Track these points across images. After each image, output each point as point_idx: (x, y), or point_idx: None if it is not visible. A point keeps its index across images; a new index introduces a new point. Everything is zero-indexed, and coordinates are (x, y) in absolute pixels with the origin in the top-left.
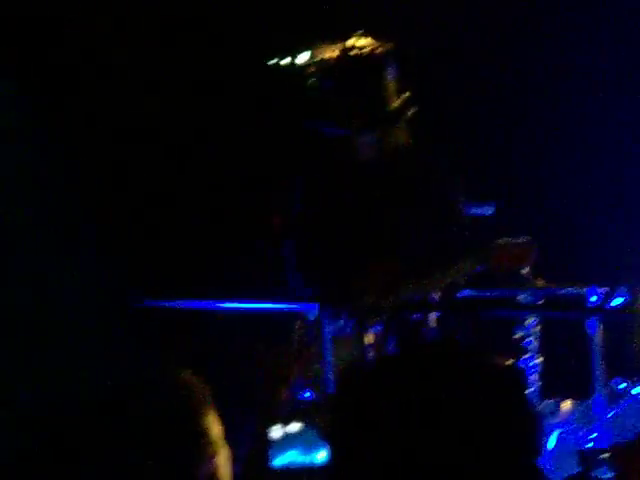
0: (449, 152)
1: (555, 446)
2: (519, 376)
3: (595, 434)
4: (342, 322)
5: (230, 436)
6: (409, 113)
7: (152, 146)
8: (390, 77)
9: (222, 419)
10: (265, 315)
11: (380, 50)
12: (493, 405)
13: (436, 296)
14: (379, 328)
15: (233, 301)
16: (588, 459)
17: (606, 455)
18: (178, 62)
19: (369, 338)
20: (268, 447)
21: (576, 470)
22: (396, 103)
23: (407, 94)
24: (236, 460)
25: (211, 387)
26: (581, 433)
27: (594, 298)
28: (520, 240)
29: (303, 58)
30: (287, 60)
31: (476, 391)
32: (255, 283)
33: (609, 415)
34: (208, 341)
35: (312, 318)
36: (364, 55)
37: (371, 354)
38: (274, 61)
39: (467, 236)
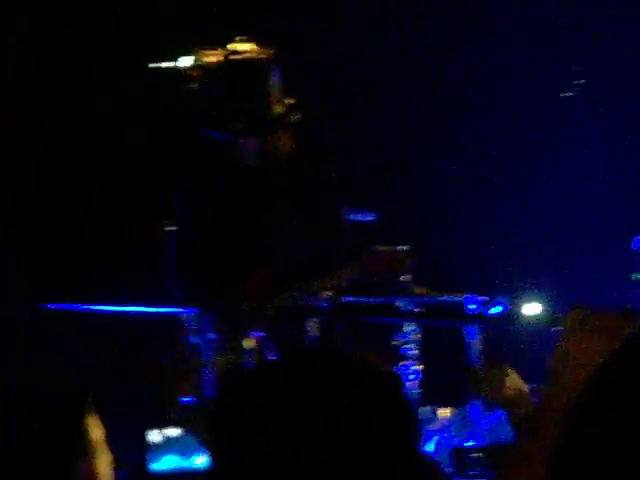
0: (331, 158)
1: (432, 453)
2: (398, 381)
3: (471, 441)
4: (222, 327)
5: (115, 440)
6: (293, 119)
7: (38, 150)
8: (274, 82)
9: (109, 423)
10: (159, 320)
11: (263, 55)
12: (375, 409)
13: (317, 302)
14: (259, 333)
15: (112, 304)
16: (462, 458)
17: (480, 454)
18: (58, 66)
19: (249, 343)
20: (147, 451)
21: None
22: (279, 108)
23: (291, 100)
24: (121, 464)
25: (99, 390)
26: (458, 440)
27: (473, 306)
28: (397, 248)
29: (185, 62)
30: (169, 63)
31: (358, 396)
32: (134, 287)
33: (485, 423)
34: (99, 344)
35: (192, 323)
36: (247, 60)
37: (251, 360)
38: (156, 64)
39: (348, 242)
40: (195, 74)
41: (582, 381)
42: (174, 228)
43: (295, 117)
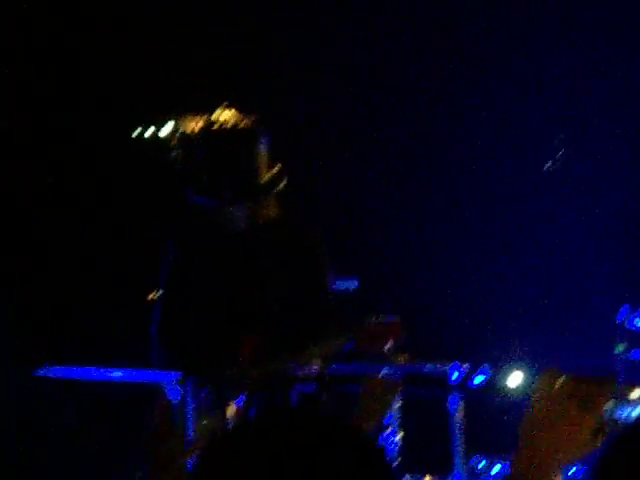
0: (318, 225)
1: None
2: (379, 445)
3: None
4: (205, 393)
5: None
6: (280, 186)
7: (26, 219)
8: (260, 150)
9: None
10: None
11: (248, 122)
12: (356, 470)
13: (303, 370)
14: (241, 400)
15: (94, 370)
16: None
17: None
18: (41, 134)
19: (231, 410)
20: None
21: None
22: (267, 175)
23: (278, 167)
24: None
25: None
26: None
27: (456, 375)
28: (390, 319)
29: (166, 130)
30: (150, 131)
31: (342, 461)
32: (116, 352)
33: None
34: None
35: (175, 389)
36: (232, 127)
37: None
38: (137, 132)
39: (336, 311)
40: (176, 142)
41: (554, 444)
42: (162, 293)
43: (282, 184)
